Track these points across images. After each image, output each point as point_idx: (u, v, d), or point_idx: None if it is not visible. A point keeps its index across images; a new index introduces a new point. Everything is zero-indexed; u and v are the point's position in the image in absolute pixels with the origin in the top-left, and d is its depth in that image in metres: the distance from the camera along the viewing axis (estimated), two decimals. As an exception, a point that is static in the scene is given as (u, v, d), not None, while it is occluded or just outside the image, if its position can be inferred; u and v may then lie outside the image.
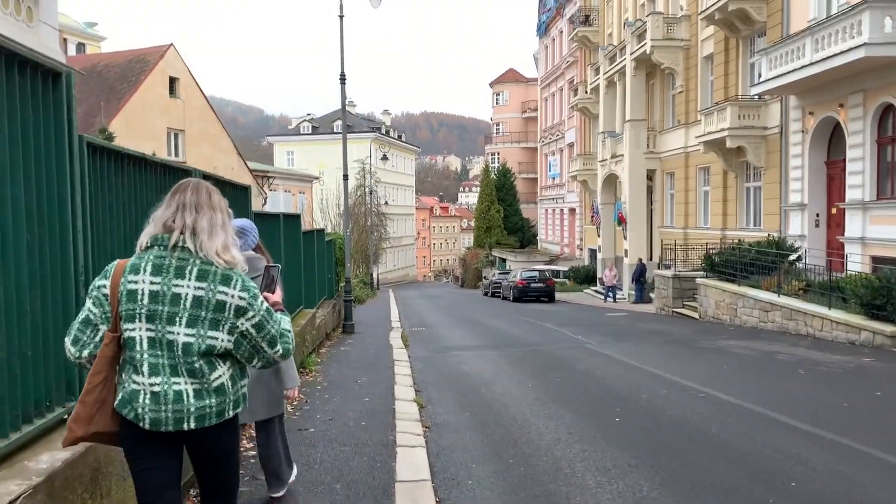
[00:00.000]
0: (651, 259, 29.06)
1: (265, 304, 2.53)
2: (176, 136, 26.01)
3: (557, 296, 30.57)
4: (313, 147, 69.67)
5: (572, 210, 44.93)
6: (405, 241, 79.68)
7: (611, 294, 27.96)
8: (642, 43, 27.61)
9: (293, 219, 11.18)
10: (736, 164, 22.94)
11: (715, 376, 9.13)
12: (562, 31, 46.86)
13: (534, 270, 31.15)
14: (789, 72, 16.99)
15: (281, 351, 2.57)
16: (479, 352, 12.63)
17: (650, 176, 29.52)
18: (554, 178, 49.21)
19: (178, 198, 2.52)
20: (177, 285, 2.41)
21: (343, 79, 16.78)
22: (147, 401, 2.40)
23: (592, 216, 34.10)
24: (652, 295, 26.60)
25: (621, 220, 29.45)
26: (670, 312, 19.71)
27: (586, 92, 38.14)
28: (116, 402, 2.46)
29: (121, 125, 22.13)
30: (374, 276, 50.59)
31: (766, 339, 12.84)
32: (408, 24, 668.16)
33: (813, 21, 17.39)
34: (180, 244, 2.45)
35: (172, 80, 25.76)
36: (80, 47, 35.64)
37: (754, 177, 22.54)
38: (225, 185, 6.10)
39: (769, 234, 18.44)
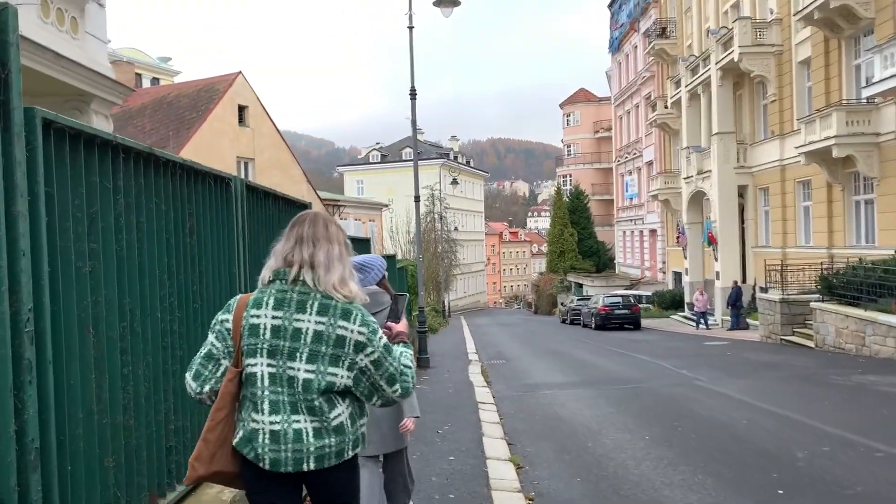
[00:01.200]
0: (745, 281, 26.90)
1: (384, 341, 2.45)
2: (246, 164, 25.58)
3: (643, 323, 28.65)
4: (382, 176, 69.55)
5: (653, 231, 42.79)
6: (475, 267, 78.42)
7: (702, 320, 25.89)
8: (729, 51, 25.77)
9: (362, 243, 10.36)
10: (842, 175, 20.82)
11: (880, 424, 7.42)
12: (636, 46, 45.16)
13: (617, 296, 29.34)
14: (913, 68, 15.04)
15: (400, 391, 2.48)
16: (572, 391, 11.15)
17: (741, 192, 27.43)
18: (632, 198, 47.19)
19: (297, 231, 2.50)
20: (298, 319, 2.37)
21: (413, 94, 15.75)
22: (267, 440, 2.35)
23: (678, 237, 32.07)
24: (751, 321, 24.51)
25: (711, 241, 27.41)
26: (778, 341, 17.71)
27: (666, 107, 36.31)
28: (236, 441, 2.42)
29: (190, 154, 21.72)
30: (446, 303, 49.45)
31: (913, 374, 10.93)
32: (470, 50, 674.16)
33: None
34: (300, 278, 2.41)
35: (241, 109, 25.41)
36: (155, 81, 36.16)
37: (865, 189, 20.36)
38: (290, 204, 6.00)
39: None
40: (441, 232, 53.56)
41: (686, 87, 31.13)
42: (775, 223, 25.19)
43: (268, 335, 2.38)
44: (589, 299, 33.00)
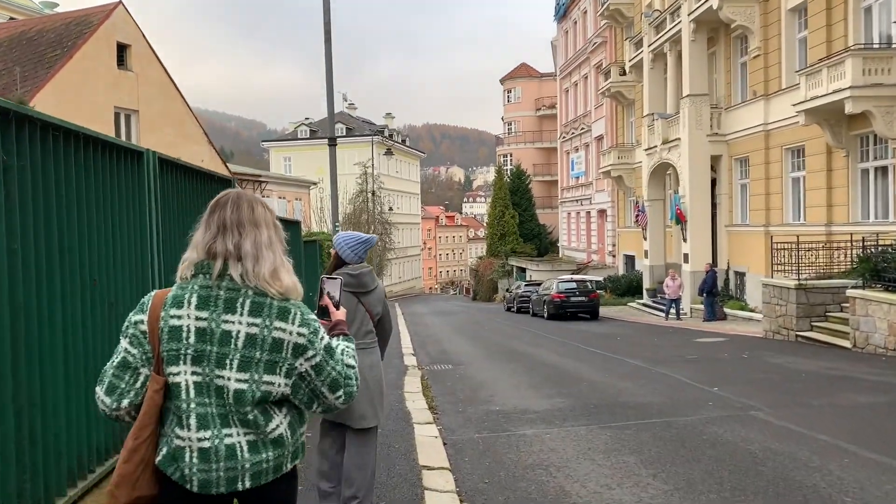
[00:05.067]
0: (716, 265, 23.63)
1: (325, 341, 2.15)
2: (128, 117, 20.66)
3: (600, 311, 25.11)
4: (312, 152, 64.31)
5: (602, 212, 39.49)
6: (411, 251, 74.31)
7: (672, 309, 22.47)
8: (705, -2, 22.26)
9: (292, 225, 8.65)
10: (847, 138, 17.53)
11: None
12: (585, 12, 41.62)
13: (572, 281, 25.67)
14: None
15: (343, 397, 2.18)
16: (566, 428, 7.18)
17: (713, 165, 24.11)
18: (578, 177, 43.81)
19: (218, 216, 2.12)
20: (227, 321, 2.04)
21: (328, 35, 11.33)
22: (195, 459, 2.03)
23: (636, 216, 28.63)
24: (728, 310, 21.21)
25: (680, 219, 23.99)
26: (793, 337, 14.21)
27: (623, 73, 32.82)
28: (159, 460, 2.08)
29: (52, 102, 16.79)
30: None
31: None
32: (404, 35, 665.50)
33: None
34: (226, 273, 2.06)
35: (122, 48, 20.42)
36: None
37: (876, 154, 17.12)
38: (205, 178, 5.26)
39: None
40: (375, 212, 49.20)
41: (649, 46, 27.62)
42: (756, 198, 21.90)
43: (192, 339, 2.04)
44: (539, 285, 29.30)
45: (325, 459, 4.25)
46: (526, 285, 31.93)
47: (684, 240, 24.32)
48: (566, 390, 9.43)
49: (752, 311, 20.86)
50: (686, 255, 24.19)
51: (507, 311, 32.06)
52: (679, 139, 24.40)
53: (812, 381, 9.43)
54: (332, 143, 10.36)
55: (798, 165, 20.20)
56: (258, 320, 2.04)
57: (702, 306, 21.74)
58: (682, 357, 12.35)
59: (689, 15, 23.63)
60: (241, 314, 2.04)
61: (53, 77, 18.42)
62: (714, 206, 24.32)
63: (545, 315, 24.93)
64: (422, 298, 62.19)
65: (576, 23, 43.94)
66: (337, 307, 2.44)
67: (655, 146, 26.44)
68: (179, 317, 2.05)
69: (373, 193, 46.12)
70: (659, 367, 11.13)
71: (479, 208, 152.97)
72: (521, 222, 49.35)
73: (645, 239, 28.35)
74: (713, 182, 24.32)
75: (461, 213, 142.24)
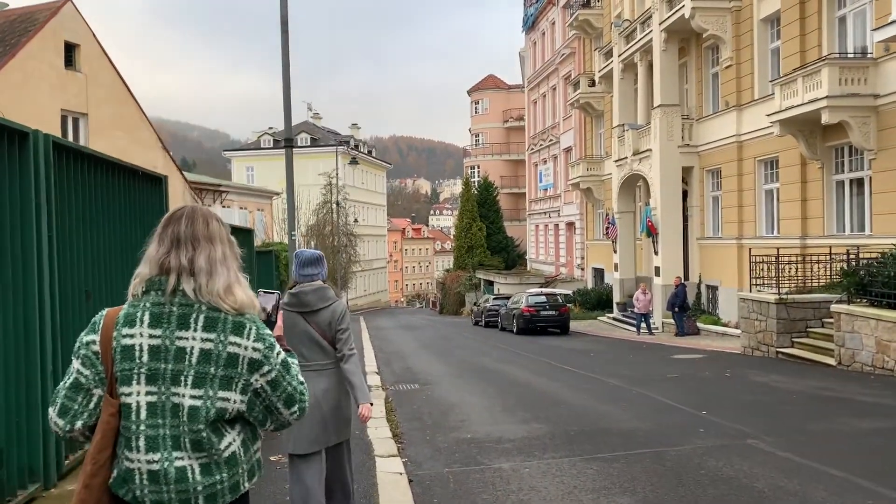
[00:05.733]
0: (687, 279, 23.21)
1: (281, 356, 2.10)
2: (76, 120, 19.51)
3: (570, 325, 24.48)
4: (275, 162, 62.95)
5: (570, 224, 39.05)
6: (376, 263, 73.28)
7: (643, 324, 21.94)
8: (677, 7, 21.92)
9: (243, 233, 8.47)
10: (822, 150, 17.21)
11: None
12: (553, 23, 41.35)
13: (542, 295, 25.03)
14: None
15: (297, 413, 2.15)
16: (546, 460, 6.42)
17: (684, 177, 23.73)
18: (546, 189, 43.38)
19: (172, 231, 2.09)
20: (181, 338, 2.01)
21: (285, 25, 10.50)
22: (145, 481, 2.00)
23: (607, 228, 28.16)
24: (701, 325, 20.74)
25: (651, 231, 23.54)
26: (773, 354, 13.65)
27: (592, 84, 32.48)
28: (111, 481, 2.05)
29: (-9, 103, 15.65)
30: (344, 303, 44.10)
31: None
32: (371, 45, 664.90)
33: None
34: (179, 288, 2.02)
35: (70, 48, 19.29)
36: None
37: (851, 166, 16.81)
38: (127, 174, 4.58)
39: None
40: (339, 223, 48.20)
41: (619, 56, 27.27)
42: (728, 210, 21.52)
43: (145, 358, 2.01)
44: (508, 298, 28.61)
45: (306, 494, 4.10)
46: (494, 299, 31.23)
47: (655, 253, 23.87)
48: (543, 414, 8.67)
49: (725, 325, 20.44)
50: (657, 269, 23.74)
51: (474, 325, 31.31)
52: (650, 150, 24.01)
53: (805, 404, 8.81)
54: (289, 143, 9.50)
55: (771, 177, 19.87)
56: (212, 335, 2.01)
57: (673, 321, 21.25)
58: (662, 376, 11.68)
59: (660, 24, 23.31)
60: (195, 329, 2.01)
61: (-6, 76, 17.24)
62: (686, 218, 23.95)
63: (514, 329, 24.23)
64: (387, 312, 61.21)
65: (544, 34, 43.67)
66: (270, 323, 2.31)
67: (626, 157, 26.03)
68: (132, 335, 2.02)
69: (337, 204, 45.12)
70: (639, 386, 10.45)
71: (445, 221, 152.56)
72: (488, 234, 48.81)
73: (615, 252, 27.88)
74: (684, 194, 23.96)
75: (428, 225, 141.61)
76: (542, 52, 44.43)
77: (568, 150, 38.74)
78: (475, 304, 36.35)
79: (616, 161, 27.29)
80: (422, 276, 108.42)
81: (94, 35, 20.11)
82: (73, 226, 3.61)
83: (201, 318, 2.01)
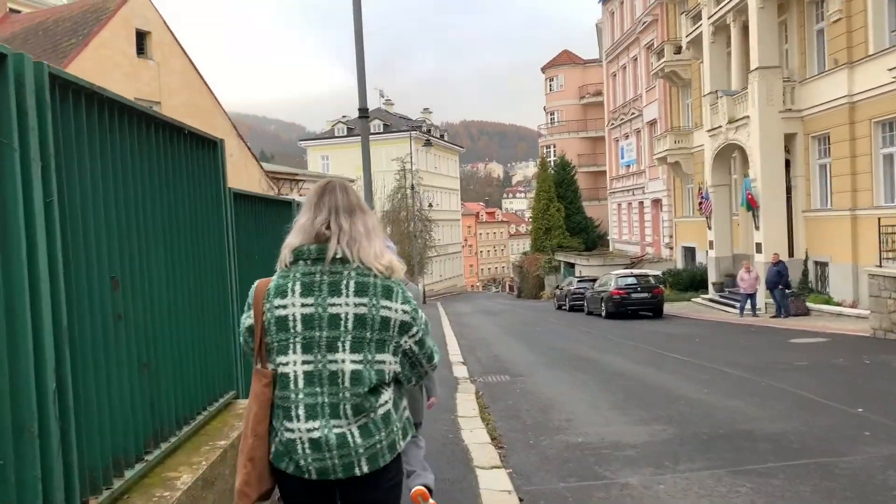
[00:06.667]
0: (792, 255, 21.35)
1: (423, 317, 2.21)
2: (149, 108, 19.27)
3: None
4: (349, 150, 62.99)
5: (656, 201, 37.15)
6: (451, 248, 72.62)
7: (748, 304, 20.26)
8: (778, -42, 19.97)
9: (282, 206, 6.60)
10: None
11: None
12: (633, -10, 39.29)
13: (632, 276, 23.56)
14: None
15: (435, 366, 2.29)
16: (683, 474, 5.31)
17: (786, 145, 21.78)
18: (629, 165, 41.50)
19: (329, 200, 2.17)
20: (333, 304, 2.06)
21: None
22: (307, 450, 2.03)
23: (700, 203, 26.35)
24: (811, 304, 18.95)
25: (751, 204, 21.74)
26: (911, 338, 12.02)
27: (678, 51, 30.56)
28: (272, 455, 2.10)
29: (66, 94, 15.46)
30: (421, 288, 43.57)
31: None
32: (438, 33, 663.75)
33: None
34: (337, 255, 2.09)
35: (142, 36, 19.03)
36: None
37: None
38: (167, 131, 3.58)
39: None
40: (414, 209, 47.62)
41: (710, 18, 25.32)
42: (839, 179, 19.54)
43: (299, 327, 2.06)
44: (593, 281, 27.23)
45: None
46: (578, 281, 29.85)
47: (756, 228, 22.04)
48: (661, 412, 7.52)
49: (839, 304, 18.62)
50: (759, 245, 21.92)
51: (557, 309, 30.04)
52: (747, 117, 22.14)
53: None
54: (364, 114, 8.65)
55: (891, 140, 17.85)
56: (365, 300, 2.04)
57: (774, 301, 19.54)
58: (788, 364, 10.28)
59: (757, -21, 21.35)
60: (347, 295, 2.04)
61: (67, 66, 17.05)
62: (789, 189, 22.01)
63: (603, 313, 22.90)
64: (464, 296, 60.47)
65: (622, 2, 41.61)
66: None
67: (720, 126, 24.18)
68: (285, 306, 2.05)
69: (412, 188, 44.46)
70: (766, 377, 9.13)
71: (518, 204, 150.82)
72: (567, 215, 47.20)
73: (709, 228, 26.06)
74: (787, 163, 22.02)
75: (501, 209, 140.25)
76: (620, 21, 42.38)
77: (652, 123, 36.79)
78: (558, 287, 35.02)
79: (709, 131, 25.42)
80: (497, 260, 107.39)
81: (164, 22, 19.80)
82: (88, 191, 2.67)
83: (352, 283, 2.04)
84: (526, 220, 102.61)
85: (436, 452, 6.07)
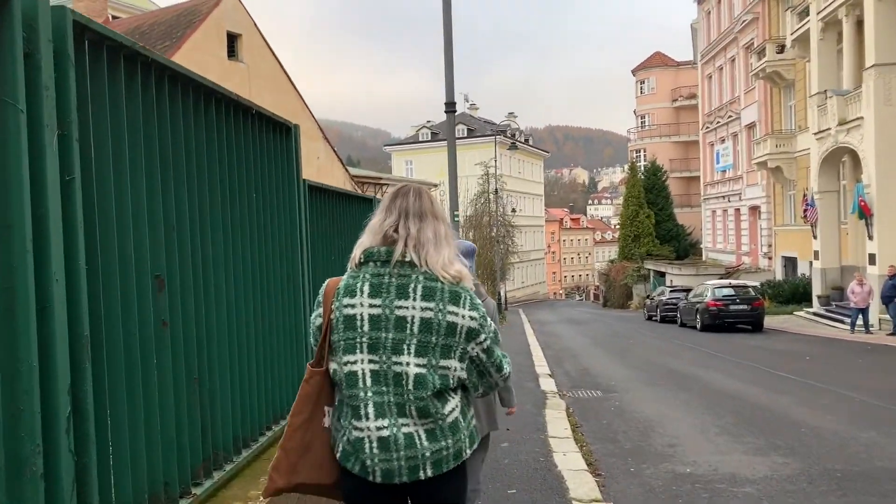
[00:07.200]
0: (907, 267, 19.52)
1: (493, 326, 2.17)
2: (239, 112, 19.45)
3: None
4: (433, 155, 63.20)
5: (754, 208, 35.23)
6: (534, 255, 71.58)
7: (860, 320, 18.67)
8: (900, -56, 18.36)
9: (364, 202, 6.46)
10: None
11: None
12: (732, -13, 37.50)
13: (730, 287, 22.20)
14: None
15: (506, 374, 2.24)
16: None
17: (904, 147, 19.99)
18: (725, 170, 39.60)
19: (400, 203, 2.16)
20: (400, 307, 2.04)
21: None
22: (375, 449, 2.02)
23: (805, 210, 24.65)
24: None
25: (865, 212, 20.08)
26: None
27: (780, 50, 28.87)
28: (339, 455, 2.10)
29: (159, 96, 15.71)
30: (502, 294, 42.82)
31: None
32: (523, 37, 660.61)
33: None
34: (405, 259, 2.08)
35: (232, 38, 19.24)
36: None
37: None
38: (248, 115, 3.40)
39: None
40: (497, 213, 46.93)
41: (819, 14, 23.65)
42: (969, 185, 17.75)
43: (366, 327, 2.05)
44: (687, 291, 25.90)
45: None
46: (671, 291, 28.50)
47: (870, 237, 20.34)
48: (780, 441, 6.65)
49: (968, 324, 16.88)
50: (872, 256, 20.22)
51: (647, 319, 28.78)
52: (861, 118, 20.49)
53: None
54: (451, 109, 8.14)
55: None
56: (431, 304, 2.04)
57: (889, 317, 17.91)
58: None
59: (875, -31, 19.73)
60: (415, 299, 2.04)
61: (161, 69, 17.36)
62: (906, 196, 20.21)
63: (698, 325, 21.64)
64: (547, 304, 59.37)
65: (720, 1, 39.78)
66: None
67: (829, 129, 22.53)
68: (353, 305, 2.06)
69: (495, 192, 43.83)
70: (900, 405, 8.06)
71: (604, 210, 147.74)
72: (657, 222, 45.59)
73: (815, 237, 24.33)
74: (905, 169, 20.21)
75: (586, 215, 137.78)
76: (717, 21, 40.55)
77: (750, 127, 34.93)
78: (648, 296, 33.67)
79: (816, 134, 23.74)
80: (581, 268, 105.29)
81: (255, 24, 19.97)
82: (126, 171, 2.21)
83: (419, 287, 2.04)
84: (612, 226, 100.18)
85: (527, 478, 5.46)
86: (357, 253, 2.12)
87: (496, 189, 43.89)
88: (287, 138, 3.80)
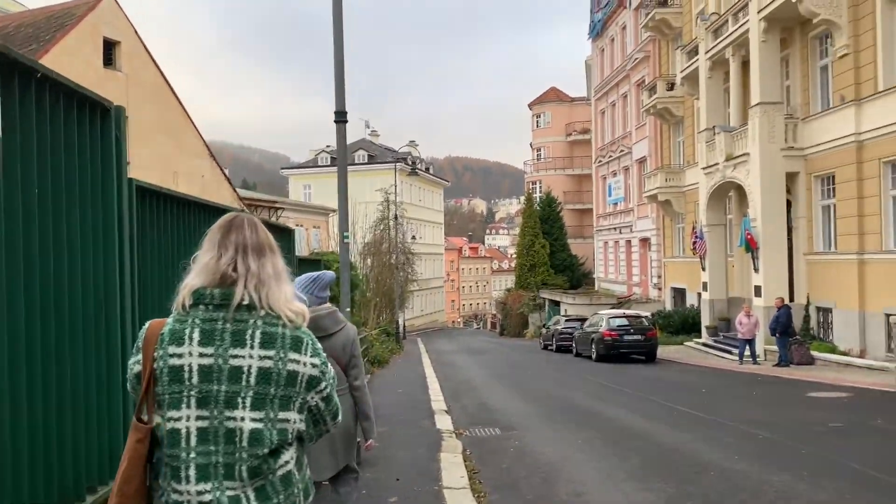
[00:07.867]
0: (792, 300, 20.25)
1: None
2: (115, 125, 17.92)
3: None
4: (333, 179, 61.14)
5: (644, 240, 36.17)
6: (433, 283, 71.22)
7: (747, 351, 19.07)
8: (782, -9, 19.23)
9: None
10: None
11: None
12: (624, 27, 38.81)
13: (623, 317, 22.35)
14: None
15: (338, 422, 2.08)
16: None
17: (787, 185, 20.84)
18: (616, 203, 40.62)
19: (236, 237, 1.92)
20: (235, 356, 1.83)
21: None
22: None
23: (694, 243, 25.31)
24: (816, 353, 17.80)
25: (751, 245, 20.70)
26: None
27: (670, 87, 29.86)
28: None
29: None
30: (401, 323, 41.98)
31: None
32: (425, 70, 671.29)
33: None
34: (243, 301, 1.85)
35: (110, 45, 17.76)
36: None
37: None
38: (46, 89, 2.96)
39: None
40: (397, 241, 46.23)
41: (707, 53, 24.57)
42: (845, 221, 18.56)
43: (195, 379, 1.82)
44: (581, 321, 25.99)
45: None
46: (566, 321, 28.59)
47: (756, 270, 20.98)
48: (691, 487, 6.18)
49: (845, 353, 17.52)
50: (758, 288, 20.84)
51: (543, 349, 28.70)
52: (747, 154, 21.22)
53: None
54: (341, 118, 7.38)
55: (903, 181, 16.93)
56: (271, 353, 1.85)
57: (776, 348, 18.41)
58: (822, 424, 8.99)
59: (759, 13, 20.61)
60: (252, 347, 1.85)
61: (25, 73, 15.69)
62: (789, 231, 21.02)
63: (593, 356, 21.60)
64: (445, 332, 58.97)
65: (613, 39, 41.13)
66: None
67: (717, 164, 23.27)
68: (180, 355, 1.84)
69: (395, 218, 43.20)
70: (803, 441, 7.83)
71: (502, 240, 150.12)
72: (552, 252, 46.25)
73: (703, 269, 24.99)
74: (788, 205, 21.06)
75: (484, 244, 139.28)
76: (610, 58, 41.86)
77: (641, 161, 35.98)
78: (544, 326, 33.74)
79: (704, 168, 24.50)
80: (479, 297, 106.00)
81: (136, 32, 18.57)
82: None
83: (258, 333, 1.85)
84: (509, 256, 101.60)
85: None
86: (184, 294, 1.86)
87: (396, 215, 43.21)
88: (105, 122, 2.94)
